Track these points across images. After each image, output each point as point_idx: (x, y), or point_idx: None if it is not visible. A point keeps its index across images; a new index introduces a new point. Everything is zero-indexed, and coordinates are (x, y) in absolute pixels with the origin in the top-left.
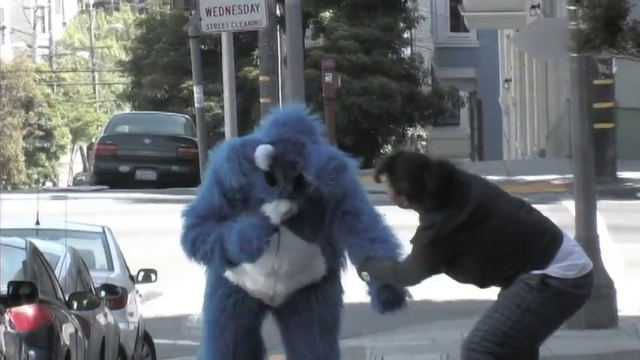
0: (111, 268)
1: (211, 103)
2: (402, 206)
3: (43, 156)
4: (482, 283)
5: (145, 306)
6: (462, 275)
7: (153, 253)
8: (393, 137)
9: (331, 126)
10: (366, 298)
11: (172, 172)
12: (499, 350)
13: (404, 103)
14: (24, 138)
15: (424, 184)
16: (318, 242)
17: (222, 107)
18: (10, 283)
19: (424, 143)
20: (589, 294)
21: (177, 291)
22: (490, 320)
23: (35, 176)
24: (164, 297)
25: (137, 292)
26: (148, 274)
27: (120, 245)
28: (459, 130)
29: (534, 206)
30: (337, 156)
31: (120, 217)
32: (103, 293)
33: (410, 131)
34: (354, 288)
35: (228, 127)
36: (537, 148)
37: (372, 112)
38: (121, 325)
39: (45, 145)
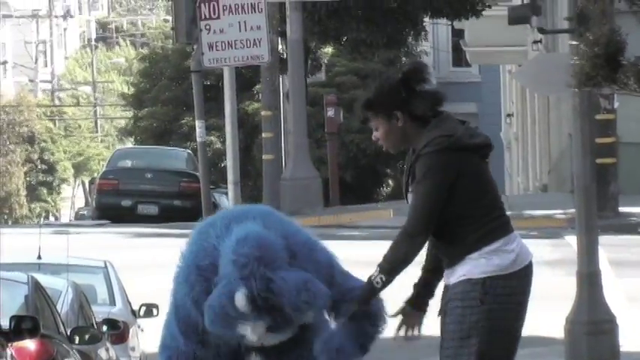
0: (113, 302)
1: (212, 138)
2: (396, 142)
3: (44, 190)
4: (443, 237)
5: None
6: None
7: (155, 287)
8: (393, 172)
9: (333, 161)
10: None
11: (174, 206)
12: None
13: None
14: (26, 173)
15: (407, 84)
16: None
17: (222, 142)
18: (12, 318)
19: None
20: (529, 284)
21: None
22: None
23: (37, 210)
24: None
25: (139, 326)
26: (150, 309)
27: (122, 279)
28: None
29: (535, 241)
30: (307, 284)
31: (122, 251)
32: (104, 328)
33: None
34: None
35: (230, 162)
36: (539, 183)
37: (370, 152)
38: None
39: (47, 179)
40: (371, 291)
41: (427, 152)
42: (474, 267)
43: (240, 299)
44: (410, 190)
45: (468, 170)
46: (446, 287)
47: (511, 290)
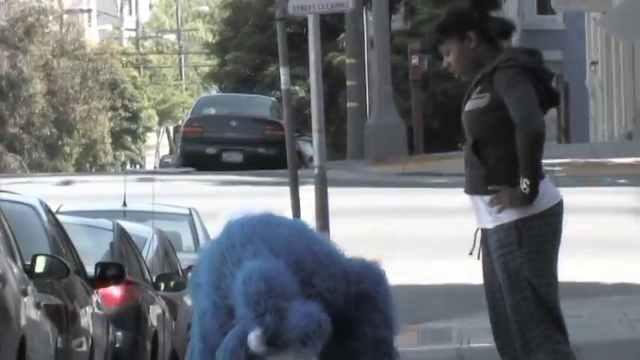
0: (198, 249)
1: (296, 87)
2: (468, 65)
3: (129, 138)
4: (481, 155)
5: None
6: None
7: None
8: None
9: (417, 109)
10: (453, 280)
11: (259, 154)
12: (552, 322)
13: None
14: (110, 120)
15: (479, 5)
16: None
17: (307, 91)
18: (97, 265)
19: None
20: (561, 222)
21: None
22: (518, 315)
23: (122, 158)
24: None
25: None
26: None
27: (206, 227)
28: (546, 113)
29: (620, 189)
30: (313, 315)
31: (206, 198)
32: (189, 275)
33: None
34: (442, 269)
35: (314, 109)
36: (624, 130)
37: (457, 96)
38: None
39: (131, 127)
40: (522, 197)
41: (511, 65)
42: (504, 214)
43: (253, 340)
44: (471, 97)
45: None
46: (482, 232)
47: (546, 228)
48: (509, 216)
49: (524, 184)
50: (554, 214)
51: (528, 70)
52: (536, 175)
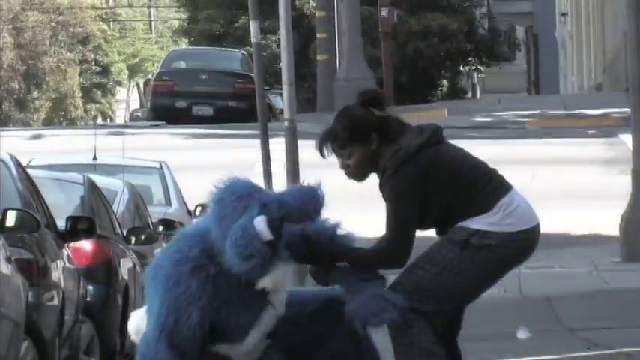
0: (168, 203)
1: (268, 42)
2: (369, 168)
3: (99, 92)
4: (431, 223)
5: None
6: (423, 213)
7: (210, 188)
8: (449, 73)
9: (387, 62)
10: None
11: (229, 107)
12: (419, 306)
13: (459, 39)
14: (80, 74)
15: (359, 119)
16: None
17: (277, 45)
18: (68, 219)
19: (481, 76)
20: (526, 251)
21: None
22: (410, 276)
23: (92, 112)
24: None
25: None
26: (206, 209)
27: (177, 180)
28: (515, 65)
29: (590, 140)
30: (310, 192)
31: (177, 152)
32: (160, 228)
33: (467, 67)
34: None
35: (284, 62)
36: (594, 82)
37: (430, 55)
38: None
39: (102, 81)
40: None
41: (387, 176)
42: (471, 222)
43: (261, 222)
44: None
45: (432, 168)
46: None
47: (498, 250)
48: (473, 224)
49: (342, 265)
50: (519, 240)
51: (411, 156)
52: (354, 267)
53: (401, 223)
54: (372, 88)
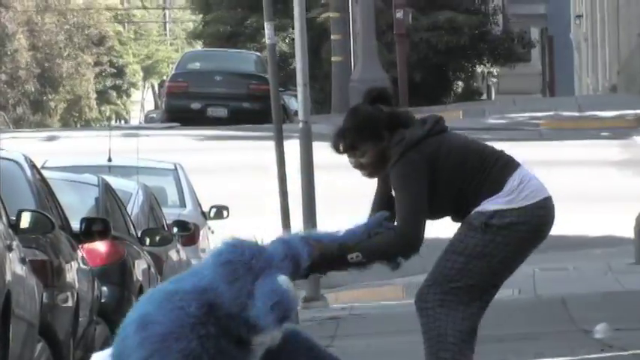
0: (183, 204)
1: (279, 42)
2: (385, 164)
3: (114, 93)
4: (444, 212)
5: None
6: (434, 202)
7: (225, 189)
8: (463, 74)
9: (402, 63)
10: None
11: (243, 108)
12: (450, 298)
13: (473, 39)
14: (95, 76)
15: (368, 117)
16: None
17: (289, 44)
18: (82, 220)
19: (494, 80)
20: (548, 221)
21: (249, 227)
22: (437, 270)
23: (107, 113)
24: (236, 232)
25: (209, 228)
26: (220, 211)
27: (192, 182)
28: (530, 67)
29: (604, 141)
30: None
31: (191, 153)
32: (175, 229)
33: (480, 68)
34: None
35: (299, 63)
36: (609, 83)
37: (441, 48)
38: (193, 262)
39: (117, 82)
40: (338, 257)
41: (392, 164)
42: (487, 204)
43: (286, 281)
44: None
45: (436, 156)
46: None
47: (518, 225)
48: (491, 206)
49: (355, 256)
50: (535, 209)
51: (414, 144)
52: (369, 260)
53: (409, 207)
54: (378, 86)
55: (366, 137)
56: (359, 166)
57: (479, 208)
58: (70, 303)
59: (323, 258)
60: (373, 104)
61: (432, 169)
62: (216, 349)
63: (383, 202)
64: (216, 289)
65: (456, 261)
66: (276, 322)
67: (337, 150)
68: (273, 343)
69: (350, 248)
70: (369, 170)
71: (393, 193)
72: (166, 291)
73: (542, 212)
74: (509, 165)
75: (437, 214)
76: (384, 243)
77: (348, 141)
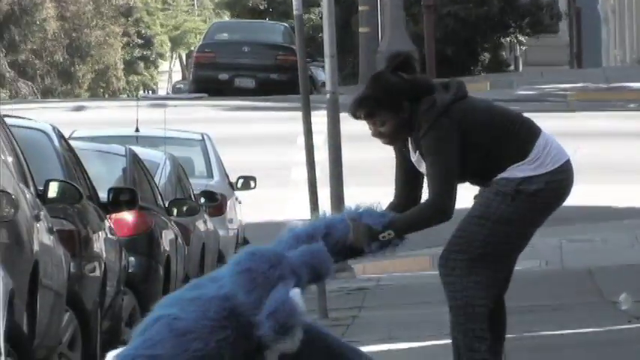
0: (210, 175)
1: (310, 16)
2: (403, 134)
3: (142, 64)
4: (469, 177)
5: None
6: (464, 166)
7: (252, 159)
8: (491, 45)
9: (429, 34)
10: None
11: (271, 79)
12: (478, 265)
13: (502, 9)
14: (123, 47)
15: (403, 71)
16: None
17: (318, 15)
18: (110, 190)
19: (523, 50)
20: (571, 182)
21: (277, 197)
22: (463, 234)
23: (135, 83)
24: (263, 203)
25: (236, 198)
26: (248, 181)
27: (219, 152)
28: (558, 38)
29: (632, 113)
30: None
31: (219, 124)
32: (202, 200)
33: (508, 39)
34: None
35: (326, 34)
36: (637, 55)
37: (469, 20)
38: (221, 232)
39: (144, 53)
40: (369, 238)
41: (425, 130)
42: (514, 171)
43: (297, 295)
44: (413, 154)
45: (465, 120)
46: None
47: (545, 192)
48: (518, 173)
49: (387, 234)
50: (558, 173)
51: (445, 111)
52: (402, 235)
53: (444, 172)
54: (402, 51)
55: (386, 106)
56: (378, 134)
57: (505, 175)
58: (97, 273)
59: (357, 237)
60: (396, 71)
61: (461, 134)
62: (233, 355)
63: (408, 177)
64: (235, 297)
65: (484, 226)
66: (271, 331)
67: (355, 116)
68: (292, 349)
69: (386, 226)
70: (388, 139)
71: (422, 161)
72: (188, 298)
73: (564, 176)
74: (533, 129)
75: (462, 179)
76: (420, 213)
77: (366, 109)
